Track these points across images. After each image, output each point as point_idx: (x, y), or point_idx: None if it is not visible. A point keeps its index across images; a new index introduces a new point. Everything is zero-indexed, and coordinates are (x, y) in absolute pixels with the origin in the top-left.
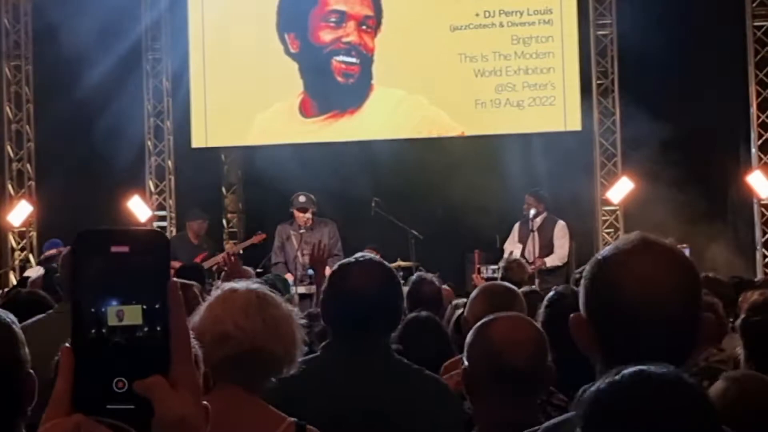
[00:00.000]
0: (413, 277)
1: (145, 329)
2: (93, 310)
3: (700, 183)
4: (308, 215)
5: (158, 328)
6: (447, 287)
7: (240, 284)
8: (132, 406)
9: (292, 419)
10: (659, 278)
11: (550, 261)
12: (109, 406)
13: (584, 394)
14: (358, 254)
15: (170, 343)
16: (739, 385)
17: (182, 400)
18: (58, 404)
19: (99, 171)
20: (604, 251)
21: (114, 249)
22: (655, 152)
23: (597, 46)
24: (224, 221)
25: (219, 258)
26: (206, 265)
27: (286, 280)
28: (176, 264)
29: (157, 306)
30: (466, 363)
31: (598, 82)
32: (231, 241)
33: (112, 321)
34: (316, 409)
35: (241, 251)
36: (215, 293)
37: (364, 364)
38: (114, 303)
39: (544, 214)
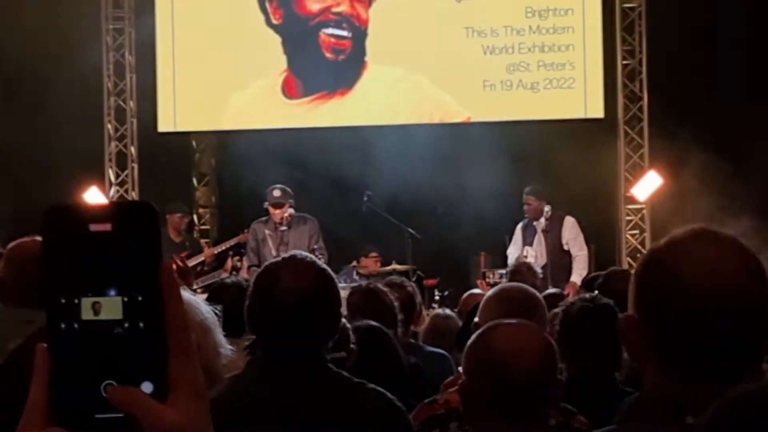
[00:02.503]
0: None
1: (126, 325)
2: (64, 301)
3: (741, 179)
4: (285, 211)
5: (142, 324)
6: None
7: None
8: (123, 414)
9: None
10: (723, 263)
11: (577, 275)
12: (97, 416)
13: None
14: (289, 253)
15: (166, 339)
16: None
17: (176, 407)
18: (32, 416)
19: (51, 157)
20: (656, 244)
21: (93, 228)
22: (687, 143)
23: (623, 20)
24: (195, 217)
25: (201, 257)
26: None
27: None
28: None
29: (140, 298)
30: (463, 376)
31: (624, 62)
32: (204, 240)
33: (87, 315)
34: None
35: (215, 252)
36: None
37: (296, 378)
38: (90, 294)
39: (549, 212)
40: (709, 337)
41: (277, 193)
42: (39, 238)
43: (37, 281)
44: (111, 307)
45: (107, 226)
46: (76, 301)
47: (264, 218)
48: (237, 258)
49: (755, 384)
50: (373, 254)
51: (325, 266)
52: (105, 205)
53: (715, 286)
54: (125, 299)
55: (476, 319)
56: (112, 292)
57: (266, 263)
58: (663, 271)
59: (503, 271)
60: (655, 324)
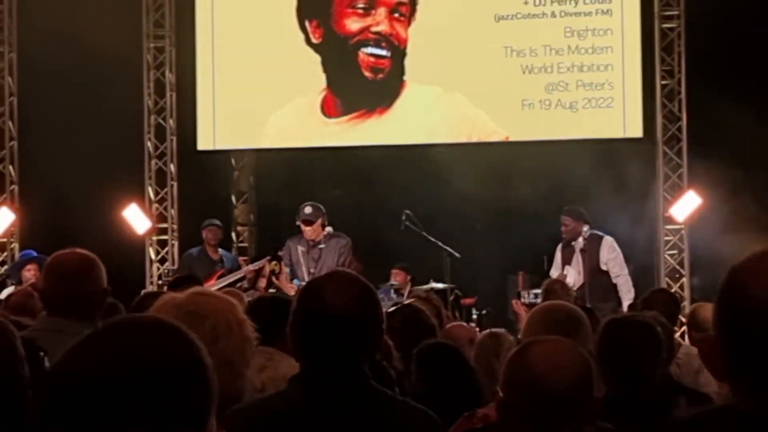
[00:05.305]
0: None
1: None
2: None
3: None
4: (316, 228)
5: None
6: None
7: (167, 300)
8: None
9: None
10: None
11: (626, 301)
12: None
13: None
14: (332, 269)
15: None
16: None
17: None
18: None
19: (91, 175)
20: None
21: None
22: (727, 163)
23: (662, 40)
24: (233, 234)
25: (239, 274)
26: (221, 282)
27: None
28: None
29: None
30: (500, 391)
31: (663, 82)
32: (242, 258)
33: None
34: None
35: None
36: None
37: (339, 398)
38: None
39: (587, 232)
40: None
41: (308, 210)
42: (79, 250)
43: (77, 292)
44: None
45: None
46: None
47: (298, 235)
48: (274, 263)
49: None
50: (399, 266)
51: (368, 283)
52: None
53: None
54: None
55: (519, 336)
56: None
57: (310, 279)
58: (736, 288)
59: (538, 291)
60: (731, 343)
